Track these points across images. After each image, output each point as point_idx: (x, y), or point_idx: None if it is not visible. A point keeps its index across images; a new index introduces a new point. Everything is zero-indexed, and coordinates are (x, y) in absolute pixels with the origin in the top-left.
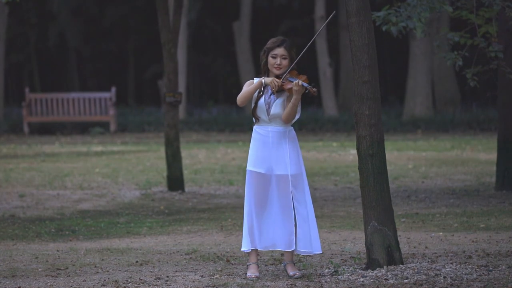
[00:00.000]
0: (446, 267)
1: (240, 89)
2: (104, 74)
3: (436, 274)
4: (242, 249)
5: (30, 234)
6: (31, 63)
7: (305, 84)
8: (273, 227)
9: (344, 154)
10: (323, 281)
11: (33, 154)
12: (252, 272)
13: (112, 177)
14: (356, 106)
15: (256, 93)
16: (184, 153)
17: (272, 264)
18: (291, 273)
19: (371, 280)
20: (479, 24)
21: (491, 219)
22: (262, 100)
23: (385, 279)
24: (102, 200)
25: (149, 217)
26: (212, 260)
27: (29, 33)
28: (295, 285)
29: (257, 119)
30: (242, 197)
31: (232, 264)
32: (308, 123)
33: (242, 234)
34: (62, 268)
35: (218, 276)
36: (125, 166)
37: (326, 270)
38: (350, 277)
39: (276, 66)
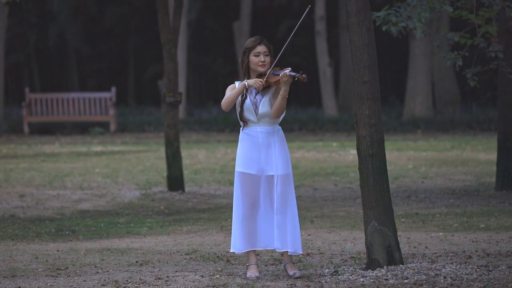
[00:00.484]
0: (446, 267)
1: None
2: (104, 74)
3: (436, 274)
4: (231, 250)
5: (30, 234)
6: (31, 63)
7: (293, 73)
8: (264, 228)
9: (344, 154)
10: (323, 281)
11: (33, 154)
12: (252, 272)
13: (112, 177)
14: (356, 106)
15: (239, 98)
16: (184, 153)
17: (272, 264)
18: (291, 272)
19: (371, 280)
20: (479, 24)
21: (491, 219)
22: (248, 101)
23: (385, 279)
24: (102, 200)
25: (149, 217)
26: (212, 260)
27: (29, 33)
28: (295, 285)
29: (246, 122)
30: None
31: (232, 264)
32: (308, 123)
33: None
34: (62, 268)
35: (218, 276)
36: (125, 166)
37: (326, 270)
38: (350, 277)
39: (260, 63)
